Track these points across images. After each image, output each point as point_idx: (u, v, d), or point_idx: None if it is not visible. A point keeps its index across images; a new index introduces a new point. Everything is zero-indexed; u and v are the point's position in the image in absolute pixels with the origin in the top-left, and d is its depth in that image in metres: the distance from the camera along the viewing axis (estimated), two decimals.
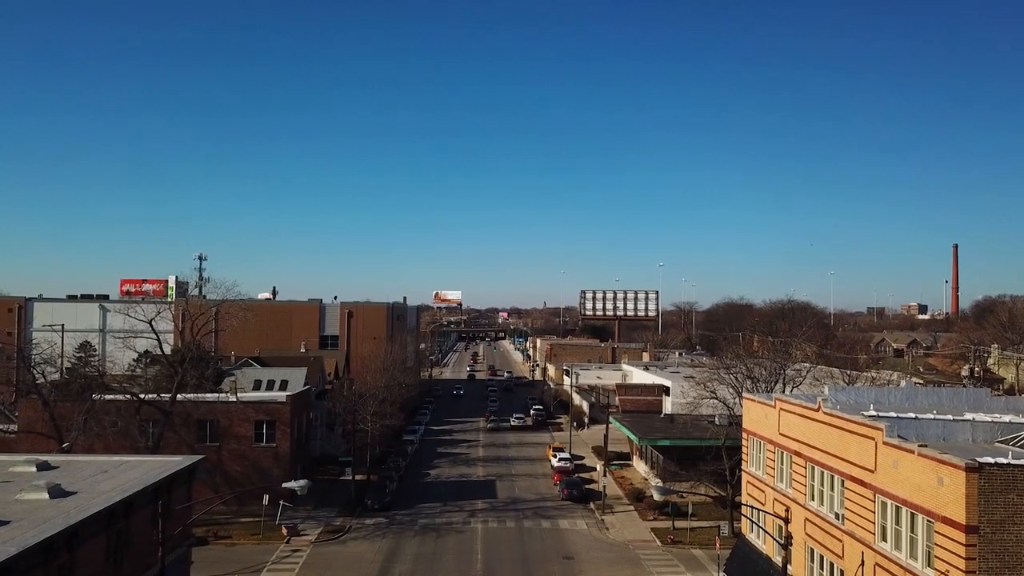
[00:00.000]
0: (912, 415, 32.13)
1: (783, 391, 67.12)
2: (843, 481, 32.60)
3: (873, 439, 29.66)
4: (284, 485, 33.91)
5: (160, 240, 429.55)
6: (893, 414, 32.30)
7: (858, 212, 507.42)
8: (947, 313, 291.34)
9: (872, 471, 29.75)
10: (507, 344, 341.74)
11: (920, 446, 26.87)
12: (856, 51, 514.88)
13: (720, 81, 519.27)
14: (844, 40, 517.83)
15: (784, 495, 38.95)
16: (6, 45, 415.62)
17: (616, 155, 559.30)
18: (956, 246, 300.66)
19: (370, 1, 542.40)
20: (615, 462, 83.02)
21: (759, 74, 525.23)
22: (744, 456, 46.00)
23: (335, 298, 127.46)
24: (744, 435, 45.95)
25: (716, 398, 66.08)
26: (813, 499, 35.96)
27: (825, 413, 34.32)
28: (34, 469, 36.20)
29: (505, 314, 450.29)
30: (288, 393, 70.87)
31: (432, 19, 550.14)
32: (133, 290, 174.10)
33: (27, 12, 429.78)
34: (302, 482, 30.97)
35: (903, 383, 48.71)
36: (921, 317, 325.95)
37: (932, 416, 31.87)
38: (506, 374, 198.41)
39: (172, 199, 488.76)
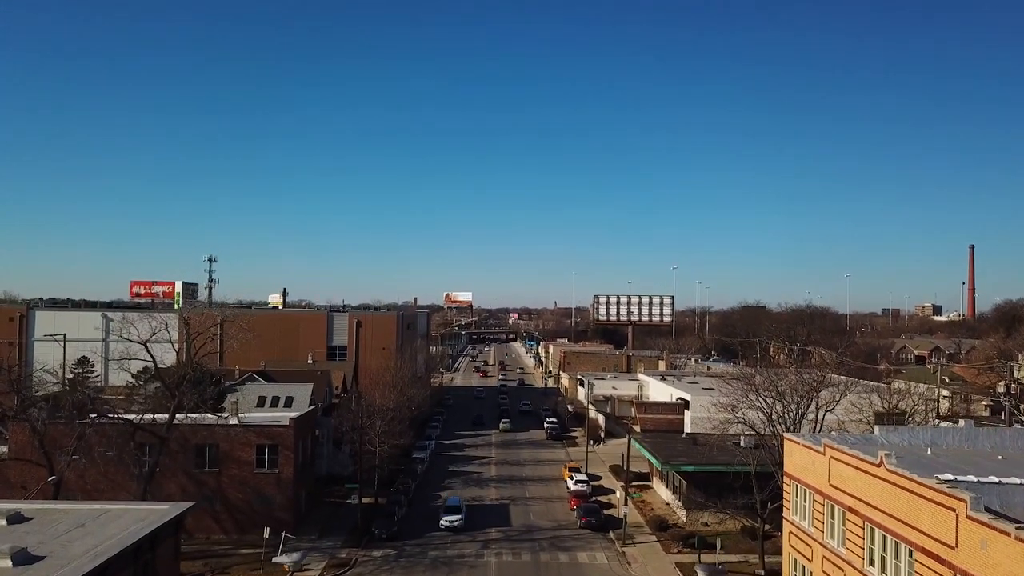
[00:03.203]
0: (995, 479, 28.07)
1: (816, 416, 63.04)
2: (911, 551, 28.60)
3: (954, 510, 25.66)
4: (274, 560, 30.48)
5: (171, 244, 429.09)
6: (972, 478, 28.22)
7: (871, 212, 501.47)
8: (963, 314, 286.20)
9: (952, 548, 25.76)
10: (518, 347, 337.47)
11: (1018, 528, 22.89)
12: (873, 51, 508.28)
13: (735, 82, 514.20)
14: (860, 40, 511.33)
15: (836, 555, 34.94)
16: (12, 44, 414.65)
17: (629, 156, 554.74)
18: (972, 247, 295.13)
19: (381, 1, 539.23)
20: (633, 483, 79.05)
21: (775, 74, 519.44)
22: (786, 503, 42.00)
23: (343, 303, 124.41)
24: (786, 479, 41.92)
25: (744, 422, 62.02)
26: (873, 565, 31.90)
27: (889, 471, 30.20)
28: (4, 522, 32.83)
29: (516, 315, 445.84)
30: (292, 415, 67.03)
31: (437, 20, 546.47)
32: (143, 292, 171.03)
33: (32, 10, 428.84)
34: (295, 555, 27.46)
35: (962, 423, 44.78)
36: (937, 319, 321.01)
37: (1019, 481, 27.83)
38: (519, 370, 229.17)
39: (183, 202, 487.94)
